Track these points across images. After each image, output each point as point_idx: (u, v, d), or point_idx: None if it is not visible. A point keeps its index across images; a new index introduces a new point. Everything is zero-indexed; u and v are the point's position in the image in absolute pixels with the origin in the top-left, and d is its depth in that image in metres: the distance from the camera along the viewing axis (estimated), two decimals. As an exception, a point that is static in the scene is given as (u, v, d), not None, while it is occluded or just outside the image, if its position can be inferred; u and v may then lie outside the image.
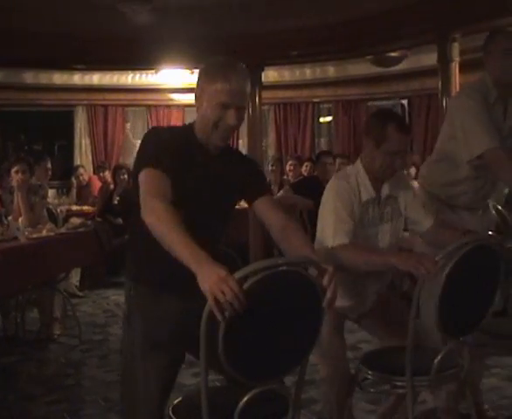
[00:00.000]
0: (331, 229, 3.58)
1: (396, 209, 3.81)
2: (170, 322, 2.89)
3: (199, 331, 2.43)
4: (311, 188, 6.16)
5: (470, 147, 4.08)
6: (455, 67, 7.96)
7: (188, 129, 2.99)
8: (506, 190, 6.31)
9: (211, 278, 2.32)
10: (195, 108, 2.93)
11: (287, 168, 10.89)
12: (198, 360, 2.50)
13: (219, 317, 2.33)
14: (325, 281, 2.57)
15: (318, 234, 3.75)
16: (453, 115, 4.28)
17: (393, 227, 3.81)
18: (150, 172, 2.76)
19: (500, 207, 5.68)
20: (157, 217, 2.60)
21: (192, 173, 2.90)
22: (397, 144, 3.60)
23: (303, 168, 11.12)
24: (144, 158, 2.84)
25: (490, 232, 3.44)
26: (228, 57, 2.97)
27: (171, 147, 2.85)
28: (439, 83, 8.09)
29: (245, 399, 2.53)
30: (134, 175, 2.93)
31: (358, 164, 3.77)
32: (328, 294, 2.56)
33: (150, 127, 13.66)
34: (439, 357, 3.23)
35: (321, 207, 3.80)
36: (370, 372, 3.39)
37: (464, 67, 8.09)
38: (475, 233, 3.60)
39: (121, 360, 3.11)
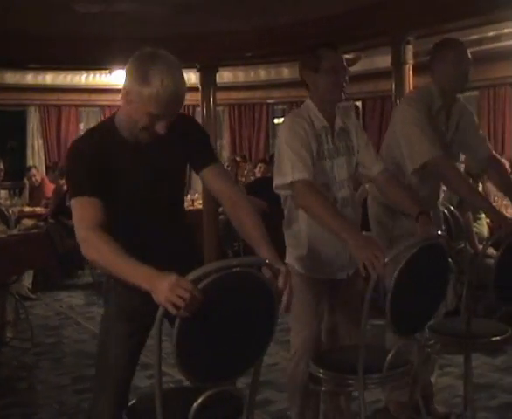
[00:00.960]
0: (289, 165, 3.57)
1: (350, 146, 3.82)
2: (138, 299, 2.85)
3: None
4: (265, 189, 6.16)
5: (414, 157, 4.12)
6: (409, 70, 8.03)
7: (110, 128, 2.86)
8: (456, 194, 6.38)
9: (163, 289, 2.35)
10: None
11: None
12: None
13: (180, 315, 2.35)
14: (280, 283, 2.57)
15: (275, 174, 3.73)
16: (396, 125, 4.31)
17: (348, 161, 3.80)
18: (79, 202, 2.73)
19: (452, 208, 5.75)
20: (96, 253, 2.64)
21: (126, 178, 2.84)
22: (331, 60, 3.68)
23: (257, 170, 11.20)
24: (71, 187, 2.82)
25: (440, 232, 3.47)
26: (160, 51, 2.74)
27: (95, 163, 2.75)
28: (393, 85, 8.15)
29: (200, 400, 2.53)
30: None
31: (308, 101, 3.80)
32: (285, 298, 2.57)
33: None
34: (391, 355, 3.26)
35: (276, 146, 3.80)
36: (321, 370, 3.40)
37: (417, 70, 8.17)
38: (428, 217, 3.62)
39: (99, 336, 3.15)
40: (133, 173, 2.86)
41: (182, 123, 2.91)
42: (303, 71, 3.81)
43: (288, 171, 3.56)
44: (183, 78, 2.71)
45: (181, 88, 2.69)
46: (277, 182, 3.67)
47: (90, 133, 3.00)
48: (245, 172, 11.67)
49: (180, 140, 2.93)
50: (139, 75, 2.65)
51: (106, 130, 2.90)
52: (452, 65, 4.17)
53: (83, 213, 2.71)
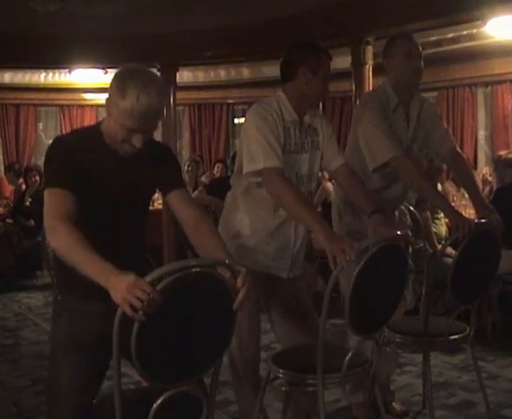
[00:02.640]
0: (260, 151, 3.55)
1: (316, 141, 3.83)
2: (94, 323, 2.89)
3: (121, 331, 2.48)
4: (225, 189, 6.14)
5: (374, 156, 4.13)
6: (369, 70, 8.06)
7: (96, 133, 2.93)
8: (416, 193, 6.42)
9: (121, 288, 2.33)
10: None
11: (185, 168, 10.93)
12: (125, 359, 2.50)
13: (137, 319, 2.34)
14: (239, 283, 2.58)
15: (245, 160, 3.67)
16: (355, 127, 4.32)
17: (312, 157, 3.81)
18: (52, 193, 2.77)
19: (411, 207, 5.78)
20: (61, 241, 2.64)
21: (102, 180, 2.88)
22: (327, 69, 3.73)
23: (215, 170, 11.20)
24: (47, 177, 2.86)
25: (399, 232, 3.49)
26: (141, 67, 2.85)
27: (76, 158, 2.81)
28: (353, 86, 8.19)
29: (159, 401, 2.53)
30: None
31: (280, 93, 3.78)
32: (240, 296, 2.58)
33: (59, 132, 13.56)
34: (350, 354, 3.27)
35: (243, 134, 3.79)
36: (281, 370, 3.41)
37: (377, 70, 8.20)
38: (381, 216, 3.65)
39: (48, 360, 3.11)
40: (108, 177, 2.90)
41: (158, 149, 3.09)
42: (298, 65, 3.73)
43: (260, 158, 3.55)
44: (159, 95, 2.79)
45: (155, 105, 2.76)
46: (247, 168, 3.64)
47: (76, 132, 3.20)
48: (200, 172, 11.65)
49: (154, 163, 3.01)
50: (117, 89, 2.75)
51: (91, 133, 2.97)
52: (402, 61, 4.21)
53: (54, 203, 2.74)
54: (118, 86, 2.75)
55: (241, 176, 3.78)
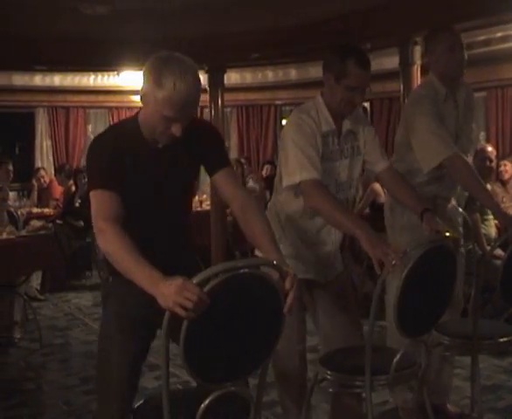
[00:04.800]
0: (297, 165, 3.54)
1: (356, 146, 3.80)
2: (140, 304, 2.86)
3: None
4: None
5: (427, 159, 4.12)
6: (417, 70, 8.00)
7: (133, 126, 2.92)
8: (467, 192, 6.36)
9: (170, 292, 2.35)
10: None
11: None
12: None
13: (187, 317, 2.35)
14: (287, 285, 2.57)
15: (283, 174, 3.68)
16: (407, 126, 4.30)
17: (352, 163, 3.78)
18: (98, 194, 2.78)
19: (460, 209, 5.73)
20: (110, 245, 2.67)
21: (143, 172, 2.89)
22: (356, 80, 3.55)
23: (263, 171, 11.19)
24: (90, 179, 2.88)
25: (447, 233, 3.46)
26: (174, 54, 2.79)
27: (117, 156, 2.82)
28: (401, 86, 8.14)
29: (207, 401, 2.53)
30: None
31: (319, 98, 3.73)
32: (289, 300, 2.57)
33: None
34: (398, 356, 3.25)
35: (282, 143, 3.76)
36: (328, 372, 3.41)
37: (425, 70, 8.14)
38: (432, 213, 3.63)
39: (98, 343, 3.13)
40: (148, 171, 2.91)
41: (198, 127, 2.97)
42: (325, 69, 3.69)
43: (296, 171, 3.54)
44: (196, 80, 2.75)
45: (194, 91, 2.73)
46: (286, 182, 3.65)
47: (112, 128, 3.14)
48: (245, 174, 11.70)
49: (195, 143, 2.97)
50: (153, 78, 2.71)
51: (128, 127, 2.97)
52: (445, 56, 4.21)
53: (102, 205, 2.76)
54: (154, 76, 2.71)
55: (280, 188, 3.80)
